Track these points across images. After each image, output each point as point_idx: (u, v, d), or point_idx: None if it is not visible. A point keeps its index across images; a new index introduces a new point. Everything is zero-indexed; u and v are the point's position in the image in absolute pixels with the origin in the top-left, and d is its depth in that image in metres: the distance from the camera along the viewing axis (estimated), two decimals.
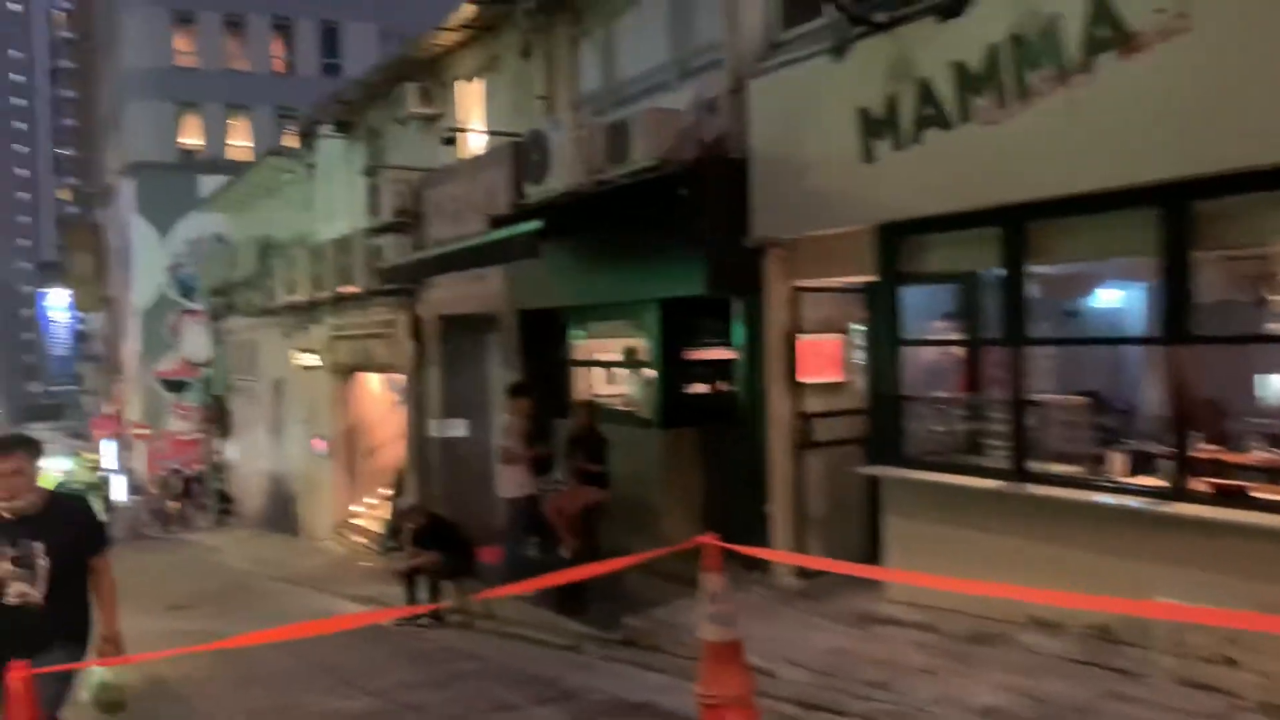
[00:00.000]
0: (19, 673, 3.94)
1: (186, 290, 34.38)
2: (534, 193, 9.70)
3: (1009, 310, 6.16)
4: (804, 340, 7.57)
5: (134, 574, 15.93)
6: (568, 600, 8.25)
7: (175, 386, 34.22)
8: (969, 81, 5.96)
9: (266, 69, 35.49)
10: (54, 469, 34.71)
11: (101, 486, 23.76)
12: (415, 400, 13.95)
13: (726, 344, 9.14)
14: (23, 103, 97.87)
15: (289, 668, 7.77)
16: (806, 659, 5.78)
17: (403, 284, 12.31)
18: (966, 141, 6.05)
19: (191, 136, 35.04)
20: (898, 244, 6.77)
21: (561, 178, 9.01)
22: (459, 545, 9.60)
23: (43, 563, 4.24)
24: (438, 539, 9.50)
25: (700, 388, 9.31)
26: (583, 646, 7.33)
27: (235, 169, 24.86)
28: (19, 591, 4.25)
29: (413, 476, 14.04)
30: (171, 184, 33.07)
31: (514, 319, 10.89)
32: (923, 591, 6.48)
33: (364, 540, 15.87)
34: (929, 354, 7.25)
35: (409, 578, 9.54)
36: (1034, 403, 6.17)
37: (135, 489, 32.58)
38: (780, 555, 5.77)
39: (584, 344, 10.73)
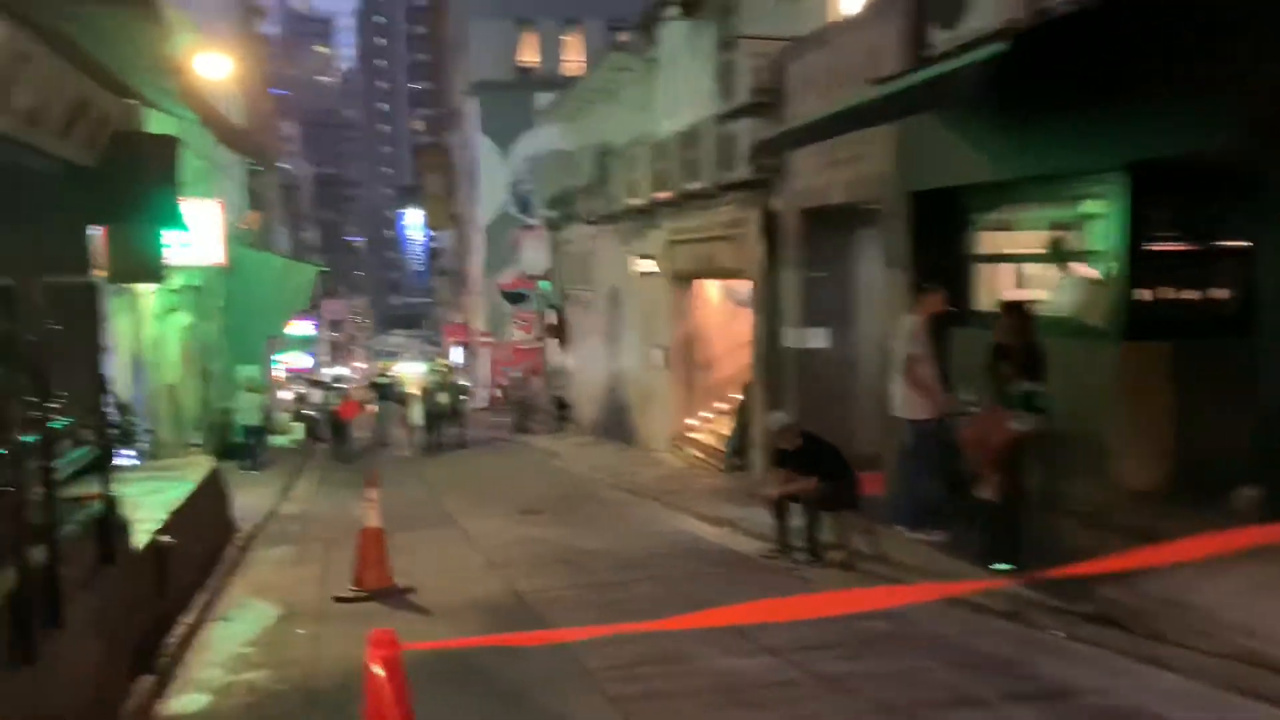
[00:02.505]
0: None
1: (524, 206, 35.73)
2: (943, 40, 7.74)
3: None
4: None
5: (487, 475, 16.43)
6: (995, 550, 6.52)
7: (514, 298, 35.98)
8: None
9: None
10: (410, 372, 37.96)
11: (461, 392, 24.36)
12: (765, 307, 12.57)
13: (1226, 228, 6.76)
14: (383, 42, 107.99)
15: (658, 600, 6.74)
16: None
17: (787, 151, 10.56)
18: None
19: (528, 54, 35.82)
20: None
21: (989, 13, 6.98)
22: (841, 472, 8.10)
23: None
24: (815, 463, 8.06)
25: (1177, 289, 7.00)
26: (1030, 616, 5.56)
27: (569, 84, 24.73)
28: None
29: (759, 391, 12.78)
30: (511, 102, 34.03)
31: (902, 205, 9.03)
32: None
33: (701, 455, 15.02)
34: None
35: (780, 505, 8.22)
36: None
37: (482, 396, 34.71)
38: None
39: (994, 234, 8.67)
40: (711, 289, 16.08)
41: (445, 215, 46.67)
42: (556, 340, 24.37)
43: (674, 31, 15.21)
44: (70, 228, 9.91)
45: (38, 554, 3.76)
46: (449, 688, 4.77)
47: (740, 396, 13.73)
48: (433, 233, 61.68)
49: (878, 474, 9.07)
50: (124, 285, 12.13)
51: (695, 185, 13.22)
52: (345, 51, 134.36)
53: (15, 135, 8.08)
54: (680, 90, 15.17)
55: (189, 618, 6.69)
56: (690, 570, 7.77)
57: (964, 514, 7.31)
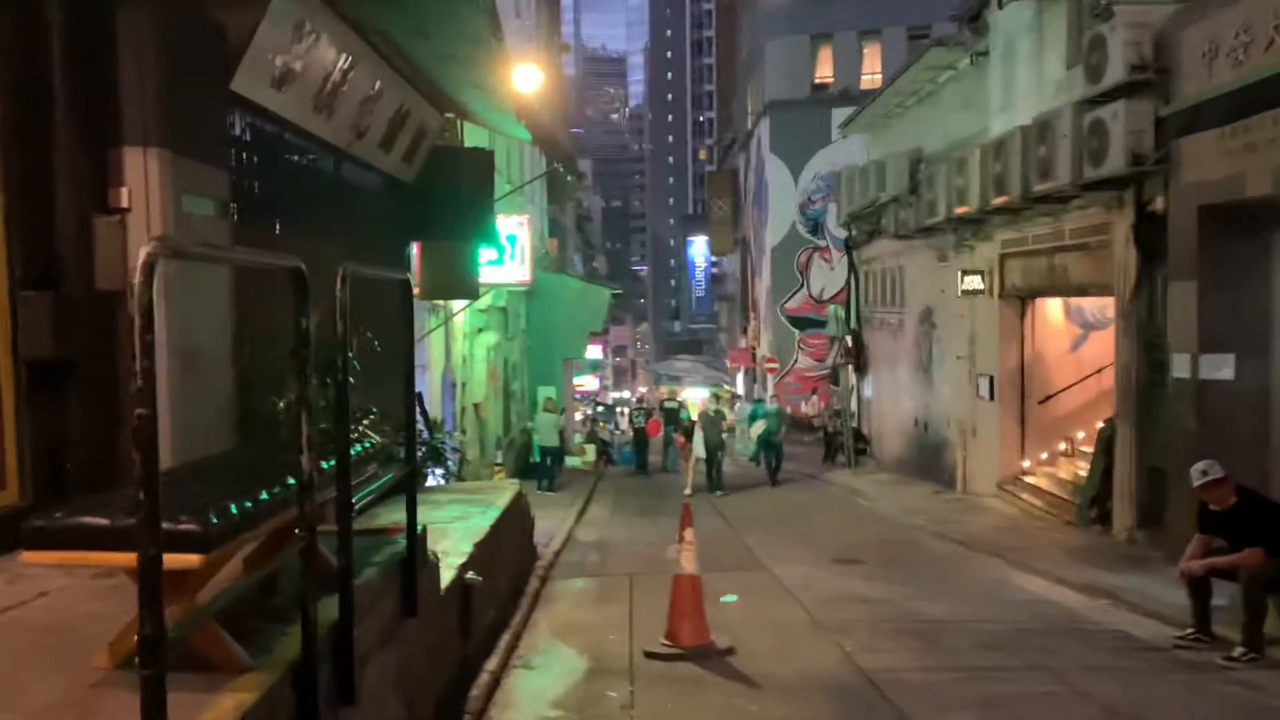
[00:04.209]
0: None
1: (815, 227, 34.44)
2: None
3: None
4: None
5: (788, 513, 15.11)
6: None
7: (801, 323, 34.72)
8: None
9: None
10: (694, 397, 37.71)
11: (782, 422, 20.97)
12: (1136, 329, 10.43)
13: None
14: (669, 76, 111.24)
15: (1061, 707, 5.15)
16: None
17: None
18: None
19: (823, 70, 34.63)
20: None
21: None
22: None
23: None
24: (1259, 529, 6.10)
25: None
26: None
27: (865, 99, 23.18)
28: None
29: (1127, 431, 10.60)
30: (804, 120, 33.01)
31: None
32: None
33: (1040, 503, 12.89)
34: None
35: (1203, 582, 6.31)
36: None
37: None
38: None
39: None
40: (1052, 308, 13.93)
41: (730, 240, 46.37)
42: (852, 367, 22.76)
43: (1013, 16, 13.35)
44: (392, 244, 9.95)
45: (329, 608, 2.99)
46: None
47: (1096, 436, 11.53)
48: (714, 259, 61.82)
49: None
50: (437, 303, 12.28)
51: (1044, 186, 11.28)
52: (635, 88, 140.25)
53: (345, 148, 8.04)
54: (1020, 80, 13.26)
55: (492, 663, 5.99)
56: (1083, 659, 6.07)
57: None
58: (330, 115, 7.16)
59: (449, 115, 10.19)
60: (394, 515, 4.42)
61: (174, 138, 4.79)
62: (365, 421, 5.75)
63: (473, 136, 11.89)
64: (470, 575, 5.65)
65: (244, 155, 6.06)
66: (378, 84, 7.72)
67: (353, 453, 3.39)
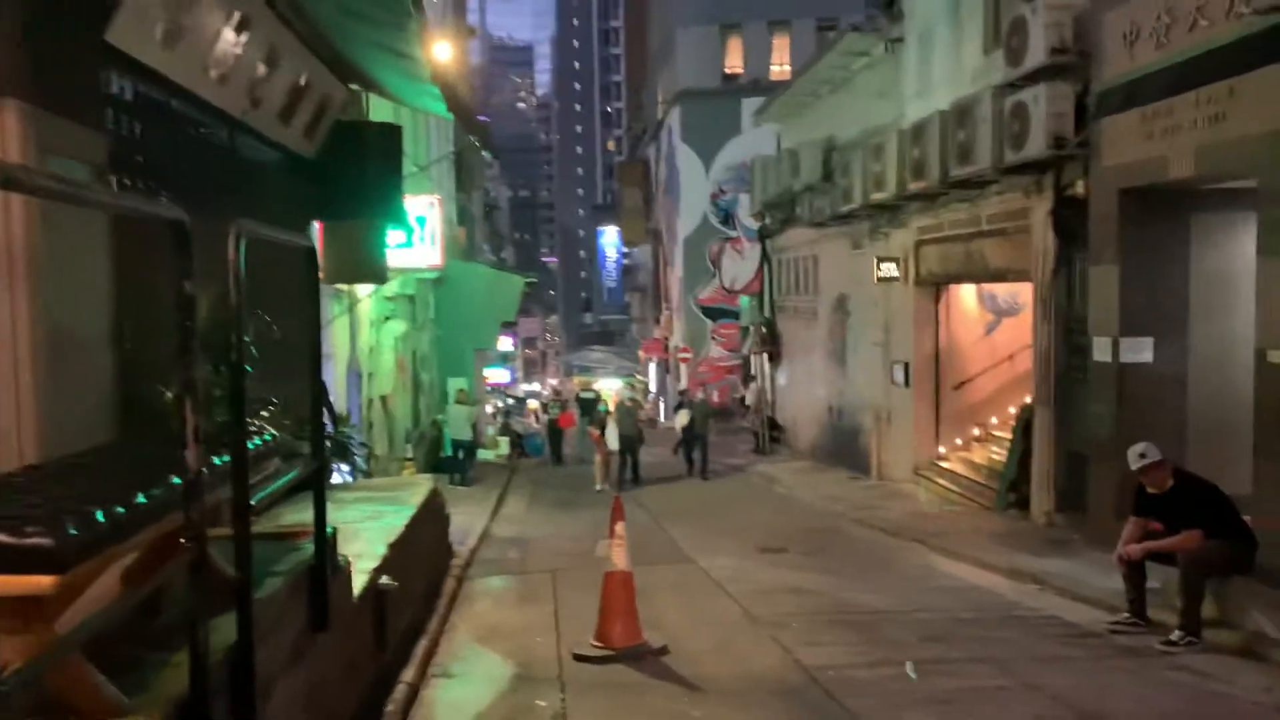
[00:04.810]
0: None
1: (726, 217, 34.46)
2: None
3: None
4: None
5: (709, 502, 14.90)
6: None
7: (714, 313, 34.74)
8: None
9: None
10: (608, 388, 37.40)
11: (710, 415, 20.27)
12: (1054, 314, 10.50)
13: None
14: (577, 66, 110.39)
15: (1016, 700, 4.97)
16: None
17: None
18: None
19: (733, 60, 34.69)
20: None
21: None
22: (1230, 525, 6.05)
23: None
24: (1195, 512, 6.06)
25: None
26: None
27: (775, 90, 23.21)
28: None
29: (1045, 416, 10.68)
30: (715, 110, 33.01)
31: None
32: None
33: (955, 488, 12.98)
34: None
35: (1138, 566, 6.25)
36: None
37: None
38: None
39: None
40: (966, 295, 14.03)
41: (642, 230, 46.16)
42: (766, 355, 22.76)
43: (930, 1, 13.35)
44: (293, 223, 9.25)
45: (226, 628, 2.52)
46: None
47: (1015, 420, 11.61)
48: (626, 249, 61.66)
49: None
50: (341, 288, 11.58)
51: (964, 171, 11.28)
52: (541, 78, 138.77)
53: (239, 117, 7.38)
54: (937, 67, 13.27)
55: (409, 674, 5.52)
56: (1025, 648, 5.94)
57: None
58: (223, 80, 6.52)
59: (354, 87, 9.57)
60: (300, 517, 3.93)
61: (37, 90, 4.17)
62: (264, 413, 5.22)
63: (379, 113, 11.25)
64: (385, 580, 5.17)
65: (124, 119, 5.41)
66: (275, 46, 7.10)
67: (251, 446, 2.91)
